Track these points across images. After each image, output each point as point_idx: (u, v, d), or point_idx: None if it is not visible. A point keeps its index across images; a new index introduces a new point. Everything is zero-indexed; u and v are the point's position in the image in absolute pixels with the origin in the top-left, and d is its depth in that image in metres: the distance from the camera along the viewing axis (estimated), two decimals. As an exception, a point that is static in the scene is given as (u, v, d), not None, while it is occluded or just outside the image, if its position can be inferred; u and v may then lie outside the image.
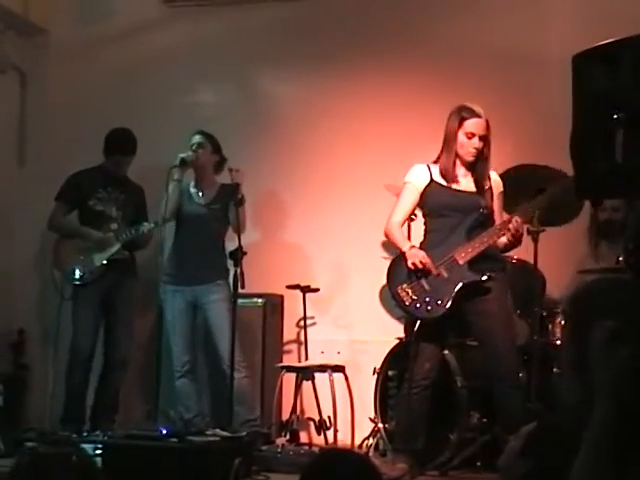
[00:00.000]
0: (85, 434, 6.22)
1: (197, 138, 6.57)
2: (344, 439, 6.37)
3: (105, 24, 7.89)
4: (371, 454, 6.07)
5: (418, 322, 5.47)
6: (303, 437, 6.69)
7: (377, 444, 6.26)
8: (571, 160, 2.64)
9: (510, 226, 5.33)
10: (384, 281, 5.66)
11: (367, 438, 6.34)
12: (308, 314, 6.99)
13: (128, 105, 7.46)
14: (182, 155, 6.45)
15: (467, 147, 5.43)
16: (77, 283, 6.73)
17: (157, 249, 7.32)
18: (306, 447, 6.36)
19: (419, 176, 5.53)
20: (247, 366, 6.41)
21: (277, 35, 7.52)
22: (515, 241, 5.42)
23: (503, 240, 5.42)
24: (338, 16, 7.40)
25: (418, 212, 5.77)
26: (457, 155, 5.46)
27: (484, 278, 5.35)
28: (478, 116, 5.40)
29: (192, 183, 6.66)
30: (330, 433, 6.42)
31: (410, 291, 5.42)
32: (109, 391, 6.90)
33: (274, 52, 7.54)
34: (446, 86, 6.84)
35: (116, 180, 6.93)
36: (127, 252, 6.88)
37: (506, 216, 5.49)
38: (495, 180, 5.59)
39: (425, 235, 5.61)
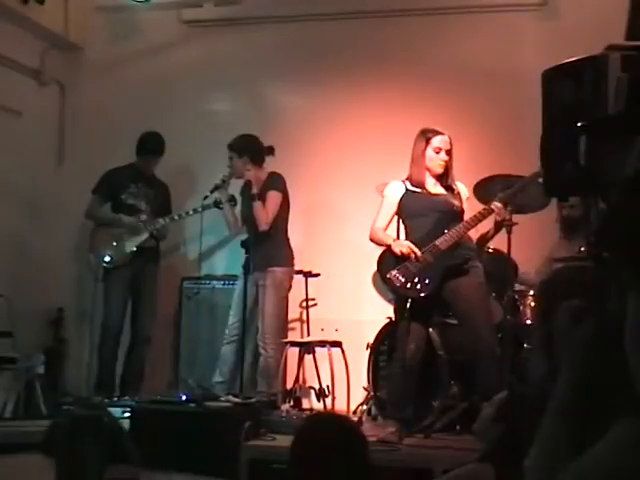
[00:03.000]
0: (115, 399, 6.23)
1: (228, 154, 6.49)
2: (341, 406, 6.36)
3: (133, 42, 7.89)
4: (364, 418, 6.08)
5: (408, 304, 5.49)
6: (305, 403, 6.67)
7: (370, 410, 6.27)
8: (540, 163, 2.63)
9: (493, 207, 5.38)
10: (376, 271, 5.68)
11: (361, 404, 6.34)
12: (310, 296, 6.98)
13: (153, 112, 7.45)
14: (215, 182, 6.45)
15: (436, 160, 5.55)
16: (107, 266, 6.74)
17: (181, 241, 7.37)
18: (308, 412, 6.35)
19: (395, 190, 5.66)
20: (275, 348, 6.37)
21: (284, 52, 7.51)
22: (502, 220, 5.47)
23: (478, 230, 5.47)
24: (336, 37, 7.38)
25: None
26: (427, 169, 5.53)
27: (463, 261, 5.44)
28: (442, 133, 5.53)
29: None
30: (329, 400, 6.42)
31: (400, 275, 5.46)
32: (135, 362, 6.92)
33: (281, 67, 7.54)
34: (431, 98, 6.86)
35: (145, 177, 6.96)
36: (154, 241, 6.90)
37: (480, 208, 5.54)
38: (461, 188, 5.70)
39: (407, 236, 5.67)
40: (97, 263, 6.80)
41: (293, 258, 6.57)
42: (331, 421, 2.83)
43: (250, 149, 6.47)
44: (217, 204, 6.62)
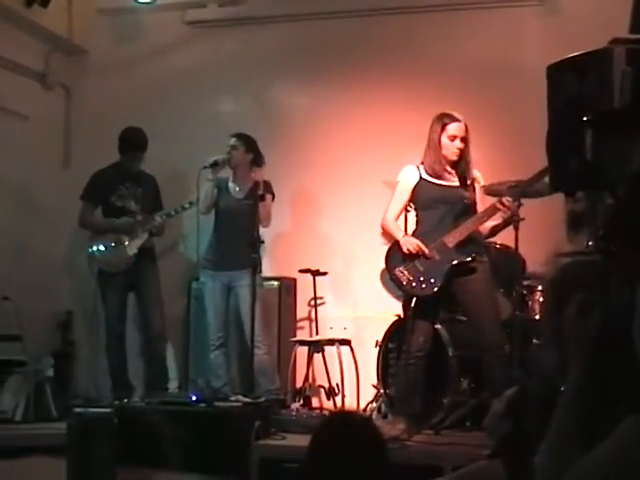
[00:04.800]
0: (126, 400, 6.20)
1: (231, 141, 6.47)
2: (350, 404, 6.37)
3: (137, 44, 7.89)
4: (374, 416, 6.06)
5: (414, 300, 5.50)
6: (315, 402, 6.68)
7: (379, 407, 6.25)
8: (547, 157, 2.63)
9: (503, 202, 5.34)
10: (384, 265, 5.68)
11: (371, 402, 6.34)
12: (318, 294, 6.97)
13: (158, 114, 7.44)
14: (214, 157, 6.42)
15: (451, 148, 5.48)
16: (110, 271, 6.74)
17: (179, 238, 7.37)
18: (317, 411, 6.36)
19: (410, 175, 5.60)
20: (268, 344, 6.38)
21: (288, 51, 7.50)
22: (509, 218, 5.43)
23: (491, 223, 5.47)
24: (340, 35, 7.37)
25: (412, 205, 5.81)
26: (442, 156, 5.48)
27: (470, 259, 5.41)
28: (458, 120, 5.46)
29: (230, 179, 6.59)
30: (338, 398, 6.42)
31: (406, 272, 5.46)
32: (153, 363, 6.90)
33: (285, 66, 7.53)
34: (435, 94, 6.83)
35: (132, 175, 6.89)
36: (152, 240, 6.86)
37: (490, 202, 5.51)
38: (477, 176, 5.63)
39: (417, 225, 5.67)
40: (90, 260, 6.80)
41: None
42: (348, 420, 2.82)
43: (256, 151, 6.51)
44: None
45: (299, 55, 7.49)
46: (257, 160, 6.47)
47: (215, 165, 6.41)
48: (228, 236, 6.48)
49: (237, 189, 6.52)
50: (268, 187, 6.41)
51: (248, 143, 6.50)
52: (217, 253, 6.55)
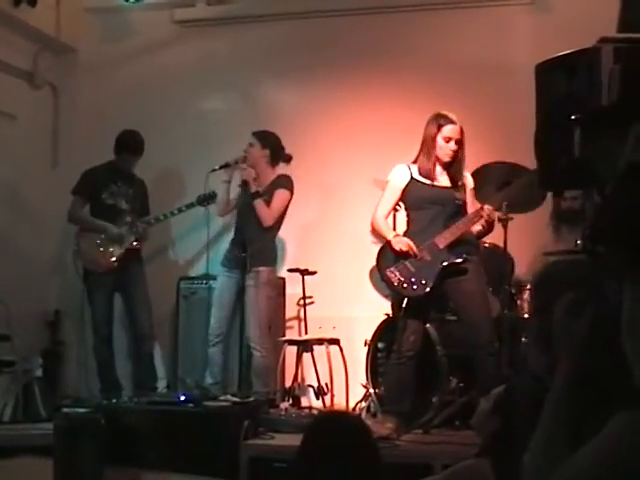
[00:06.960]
0: (114, 400, 6.17)
1: (249, 140, 6.46)
2: (340, 403, 6.36)
3: (126, 43, 7.88)
4: (363, 415, 6.06)
5: (405, 300, 5.50)
6: (304, 402, 6.67)
7: (369, 407, 6.25)
8: (535, 156, 2.63)
9: (483, 213, 5.36)
10: (373, 264, 5.69)
11: (360, 402, 6.33)
12: (307, 294, 6.97)
13: (147, 112, 7.43)
14: (227, 160, 6.38)
15: (445, 149, 5.46)
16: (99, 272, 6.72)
17: (175, 240, 7.35)
18: (306, 410, 6.34)
19: (400, 175, 5.58)
20: (268, 347, 6.34)
21: (276, 50, 7.50)
22: (488, 227, 5.45)
23: (477, 227, 5.46)
24: (329, 34, 7.38)
25: (401, 204, 5.80)
26: (435, 156, 5.48)
27: (461, 260, 5.39)
28: (454, 122, 5.44)
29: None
30: (327, 398, 6.41)
31: (398, 273, 5.45)
32: (142, 363, 6.89)
33: (274, 65, 7.52)
34: (425, 92, 6.85)
35: (124, 176, 6.89)
36: (138, 242, 6.84)
37: (478, 205, 5.51)
38: (467, 178, 5.64)
39: (408, 225, 5.65)
40: (75, 256, 6.79)
41: (276, 257, 6.55)
42: (339, 420, 2.82)
43: (274, 146, 6.48)
44: (201, 202, 6.61)
45: (288, 54, 7.49)
46: (274, 157, 6.46)
47: (226, 167, 6.40)
48: (243, 234, 6.40)
49: (253, 187, 6.44)
50: (279, 183, 6.40)
51: (265, 139, 6.46)
52: (231, 252, 6.51)
